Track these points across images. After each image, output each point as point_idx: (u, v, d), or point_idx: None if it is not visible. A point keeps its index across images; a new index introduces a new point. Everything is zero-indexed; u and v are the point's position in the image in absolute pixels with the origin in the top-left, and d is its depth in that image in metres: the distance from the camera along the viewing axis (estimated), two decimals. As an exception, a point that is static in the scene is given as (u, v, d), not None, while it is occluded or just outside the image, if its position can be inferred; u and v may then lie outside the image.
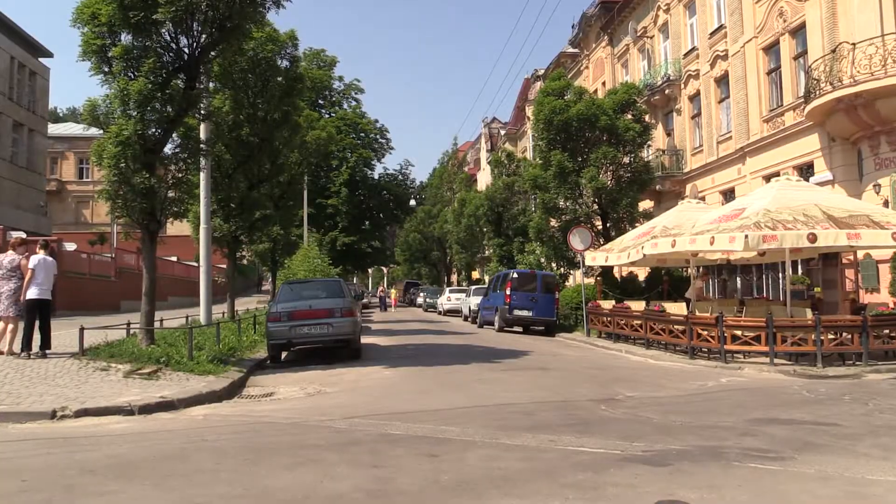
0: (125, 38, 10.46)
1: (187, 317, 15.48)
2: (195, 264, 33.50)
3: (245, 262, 39.80)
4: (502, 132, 54.48)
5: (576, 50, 36.56)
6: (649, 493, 4.31)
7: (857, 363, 11.20)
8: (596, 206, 21.41)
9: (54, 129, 50.38)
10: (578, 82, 31.00)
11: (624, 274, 22.09)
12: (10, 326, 10.09)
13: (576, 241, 19.19)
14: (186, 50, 10.92)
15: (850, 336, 11.39)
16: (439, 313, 35.83)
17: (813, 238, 10.66)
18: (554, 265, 24.18)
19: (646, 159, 23.55)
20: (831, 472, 4.84)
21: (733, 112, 21.30)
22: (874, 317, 11.49)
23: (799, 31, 18.09)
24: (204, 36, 10.93)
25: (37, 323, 10.06)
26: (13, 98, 34.71)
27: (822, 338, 11.08)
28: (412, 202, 49.99)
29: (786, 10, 18.53)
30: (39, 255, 10.16)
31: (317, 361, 12.42)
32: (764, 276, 19.35)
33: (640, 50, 28.35)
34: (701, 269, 16.93)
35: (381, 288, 47.96)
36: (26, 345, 9.90)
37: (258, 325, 16.52)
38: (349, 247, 43.36)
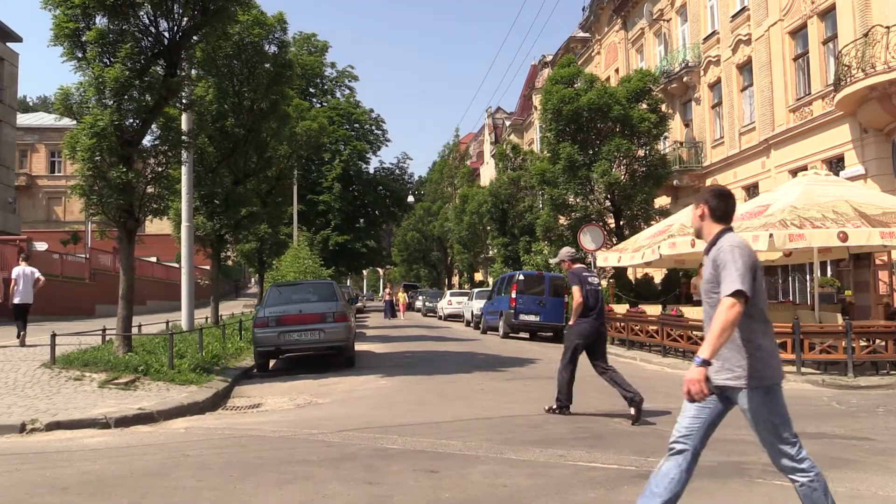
0: (100, 21, 10.45)
1: (168, 322, 15.48)
2: (176, 265, 33.55)
3: (230, 262, 39.72)
4: (507, 123, 54.53)
5: (587, 34, 36.60)
6: (666, 512, 4.29)
7: (892, 372, 11.20)
8: (608, 203, 21.43)
9: (23, 119, 50.45)
10: (589, 69, 31.03)
11: (639, 275, 22.07)
12: None
13: (587, 240, 19.19)
14: (167, 34, 10.92)
15: (883, 343, 11.38)
16: (439, 318, 35.82)
17: (843, 237, 10.65)
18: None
19: (662, 152, 23.57)
20: (863, 490, 4.84)
21: (757, 101, 21.30)
22: (909, 322, 11.49)
23: (828, 14, 18.08)
24: (185, 19, 10.93)
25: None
26: (-21, 86, 34.76)
27: (854, 345, 11.06)
28: (410, 198, 49.96)
29: (814, -10, 18.55)
30: (20, 267, 13.50)
31: (307, 370, 12.42)
32: (790, 279, 19.35)
33: (656, 34, 28.35)
34: (698, 266, 16.85)
35: (386, 291, 42.85)
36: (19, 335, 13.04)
37: (244, 331, 16.53)
38: (342, 246, 43.37)
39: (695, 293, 15.59)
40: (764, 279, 3.54)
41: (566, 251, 8.51)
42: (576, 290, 7.89)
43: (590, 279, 8.12)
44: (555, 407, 7.96)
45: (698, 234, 3.72)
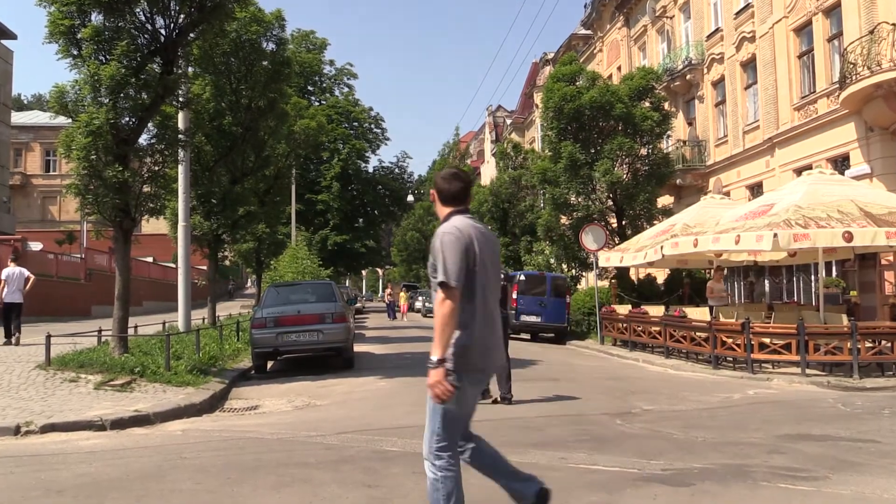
0: (96, 18, 10.46)
1: (164, 323, 15.47)
2: (173, 265, 33.55)
3: (227, 263, 39.76)
4: (508, 121, 54.52)
5: (588, 31, 36.59)
6: (669, 515, 4.30)
7: (897, 374, 11.19)
8: (610, 202, 21.41)
9: (18, 117, 50.45)
10: (591, 67, 31.01)
11: (641, 276, 22.09)
12: None
13: (588, 240, 19.18)
14: (163, 31, 10.92)
15: (889, 344, 11.38)
16: (440, 319, 35.69)
17: (849, 237, 10.65)
18: (564, 266, 24.18)
19: (665, 151, 23.56)
20: (869, 493, 4.83)
21: (761, 99, 21.30)
22: (916, 323, 11.49)
23: (833, 11, 18.08)
24: (182, 16, 10.93)
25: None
26: (-26, 84, 34.77)
27: (859, 346, 11.06)
28: (410, 198, 50.02)
29: (819, -13, 18.54)
30: (9, 268, 13.94)
31: (305, 371, 12.42)
32: (794, 279, 19.34)
33: (659, 31, 28.35)
34: (715, 268, 16.81)
35: (387, 291, 42.08)
36: (6, 335, 13.58)
37: (242, 332, 16.53)
38: (341, 246, 43.37)
39: (710, 296, 15.53)
40: (494, 264, 3.58)
41: None
42: None
43: None
44: (499, 398, 8.92)
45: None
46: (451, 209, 3.58)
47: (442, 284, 3.31)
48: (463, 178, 3.64)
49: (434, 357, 3.36)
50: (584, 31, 37.46)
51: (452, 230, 3.42)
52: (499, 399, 8.93)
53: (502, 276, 8.96)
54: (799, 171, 17.64)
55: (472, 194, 3.70)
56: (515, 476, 3.80)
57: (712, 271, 17.25)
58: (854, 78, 15.63)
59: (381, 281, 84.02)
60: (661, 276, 21.68)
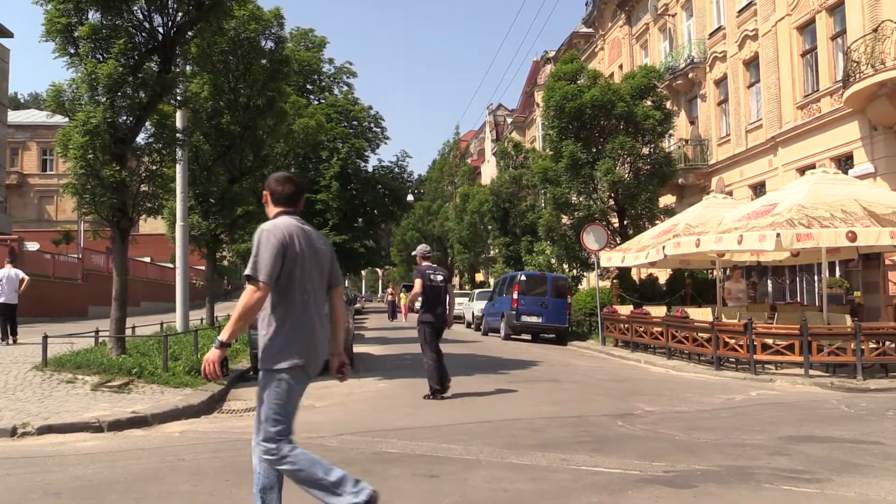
0: (93, 16, 10.45)
1: (162, 323, 15.48)
2: (171, 266, 33.54)
3: (226, 263, 39.70)
4: (509, 120, 54.49)
5: (590, 30, 36.59)
6: (671, 518, 4.31)
7: (901, 375, 11.20)
8: (612, 202, 21.42)
9: (14, 116, 50.45)
10: (593, 65, 31.03)
11: (643, 276, 22.09)
12: None
13: (590, 240, 19.19)
14: (161, 29, 10.92)
15: (893, 345, 11.39)
16: (439, 320, 35.71)
17: (852, 237, 10.65)
18: (566, 266, 24.19)
19: (667, 150, 23.58)
20: (873, 496, 4.84)
21: (764, 98, 21.30)
22: (920, 323, 11.49)
23: (837, 8, 18.08)
24: (180, 14, 10.93)
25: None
26: (-30, 83, 34.77)
27: (863, 347, 11.06)
28: (410, 197, 49.86)
29: (822, -16, 18.54)
30: (5, 269, 14.45)
31: (304, 373, 12.40)
32: (798, 279, 19.34)
33: (661, 29, 28.36)
34: (732, 268, 16.67)
35: (389, 291, 41.43)
36: (2, 336, 14.07)
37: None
38: (340, 246, 43.18)
39: (728, 297, 15.45)
40: (319, 264, 3.71)
41: (422, 248, 9.80)
42: (417, 282, 9.27)
43: (432, 276, 9.34)
44: (430, 393, 9.03)
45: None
46: (280, 210, 3.76)
47: (248, 278, 3.49)
48: (296, 183, 3.85)
49: (220, 338, 3.58)
50: (585, 30, 37.47)
51: (272, 227, 3.60)
52: (430, 395, 9.13)
53: (440, 277, 9.56)
54: (802, 171, 17.64)
55: (302, 200, 3.92)
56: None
57: (730, 270, 17.11)
58: (858, 76, 15.64)
59: (380, 281, 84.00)
60: (663, 276, 21.68)
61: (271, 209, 3.78)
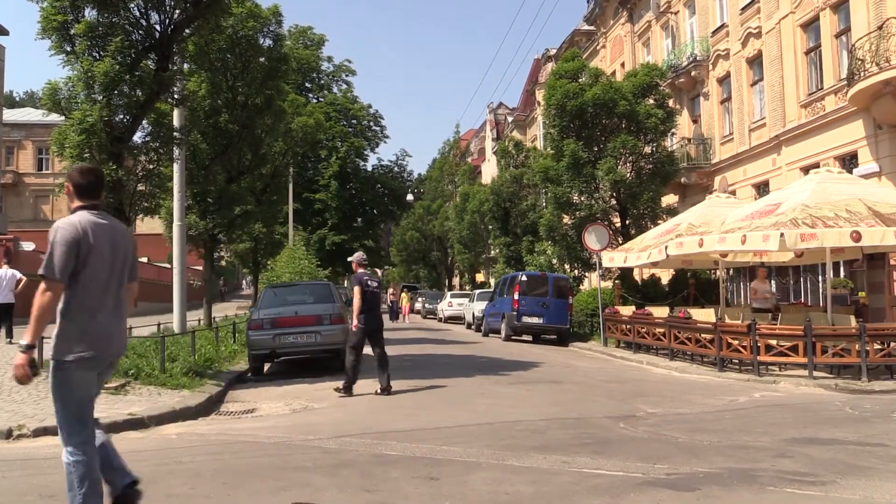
0: (89, 13, 10.47)
1: (159, 324, 15.48)
2: (168, 266, 33.53)
3: (224, 263, 39.78)
4: (510, 119, 54.49)
5: (591, 27, 36.57)
6: (674, 520, 4.30)
7: (907, 376, 11.19)
8: (614, 201, 21.41)
9: (10, 115, 50.42)
10: (594, 63, 31.03)
11: (645, 276, 22.07)
12: None
13: (591, 239, 19.19)
14: (158, 27, 10.94)
15: (898, 346, 11.36)
16: (440, 320, 35.83)
17: (857, 237, 10.64)
18: (567, 267, 24.17)
19: (669, 149, 23.56)
20: (878, 498, 4.84)
21: (767, 96, 21.29)
22: (925, 324, 11.48)
23: (841, 6, 18.07)
24: (177, 11, 10.94)
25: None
26: (-35, 81, 34.70)
27: (868, 348, 11.05)
28: (409, 197, 49.99)
29: (826, -19, 18.53)
30: (2, 269, 14.83)
31: (303, 374, 12.42)
32: (802, 280, 19.33)
33: (664, 27, 28.35)
34: (759, 267, 16.13)
35: (390, 291, 40.47)
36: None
37: (238, 334, 16.53)
38: (339, 246, 43.35)
39: (753, 298, 15.10)
40: (117, 255, 3.82)
41: (358, 255, 10.51)
42: (356, 290, 9.91)
43: (369, 282, 10.07)
44: (342, 387, 9.72)
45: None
46: (82, 203, 3.86)
47: (43, 277, 3.60)
48: (97, 173, 4.01)
49: (23, 342, 3.65)
50: (586, 27, 37.44)
51: (66, 224, 3.72)
52: (378, 391, 9.60)
53: (375, 283, 10.16)
54: (806, 170, 17.63)
55: (102, 191, 4.10)
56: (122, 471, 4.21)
57: (756, 270, 16.71)
58: (862, 74, 15.63)
59: (380, 282, 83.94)
60: (665, 276, 21.66)
61: (74, 202, 3.87)
